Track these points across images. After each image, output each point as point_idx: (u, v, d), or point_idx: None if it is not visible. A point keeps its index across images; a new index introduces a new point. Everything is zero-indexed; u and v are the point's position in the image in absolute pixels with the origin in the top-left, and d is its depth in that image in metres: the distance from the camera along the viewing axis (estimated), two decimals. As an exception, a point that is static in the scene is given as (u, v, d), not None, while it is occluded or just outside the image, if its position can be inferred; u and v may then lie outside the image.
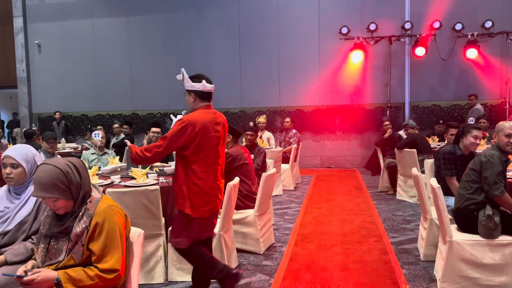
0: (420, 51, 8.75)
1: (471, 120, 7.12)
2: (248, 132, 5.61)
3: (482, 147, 6.17)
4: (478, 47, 8.65)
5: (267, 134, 8.44)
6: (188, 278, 3.39)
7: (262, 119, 8.38)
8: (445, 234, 3.12)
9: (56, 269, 1.81)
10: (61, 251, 1.86)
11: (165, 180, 3.88)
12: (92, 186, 1.98)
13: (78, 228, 1.84)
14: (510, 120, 4.70)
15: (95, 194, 1.94)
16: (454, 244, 3.06)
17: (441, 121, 7.96)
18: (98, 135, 4.86)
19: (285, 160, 7.46)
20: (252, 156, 5.48)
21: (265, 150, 6.39)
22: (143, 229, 3.31)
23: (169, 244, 3.39)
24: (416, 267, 3.63)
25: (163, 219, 3.51)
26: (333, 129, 10.15)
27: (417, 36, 8.87)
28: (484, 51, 8.98)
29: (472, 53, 8.63)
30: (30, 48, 11.59)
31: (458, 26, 8.78)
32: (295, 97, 10.20)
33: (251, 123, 7.65)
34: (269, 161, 5.57)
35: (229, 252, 3.54)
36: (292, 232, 4.77)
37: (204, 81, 2.98)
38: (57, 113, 10.85)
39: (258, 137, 7.82)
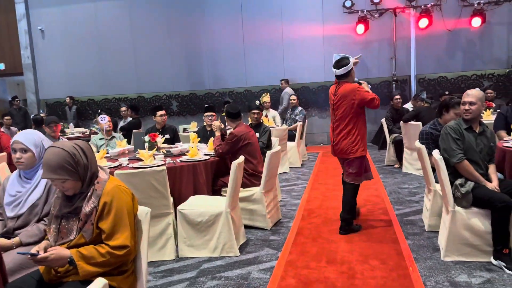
0: (423, 22, 8.61)
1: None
2: (254, 111, 5.64)
3: (488, 118, 6.14)
4: (485, 16, 8.48)
5: (272, 113, 8.46)
6: (197, 254, 3.51)
7: (266, 98, 8.38)
8: (447, 204, 3.17)
9: (68, 248, 1.90)
10: (72, 230, 1.95)
11: (172, 161, 3.96)
12: (99, 167, 2.05)
13: (87, 208, 1.92)
14: None
15: (102, 175, 2.01)
16: (457, 213, 3.11)
17: (446, 92, 7.90)
18: (104, 119, 4.93)
19: (291, 137, 7.50)
20: (257, 134, 5.53)
21: (270, 128, 6.44)
22: (152, 208, 3.41)
23: (178, 222, 3.51)
24: (421, 237, 3.70)
25: (171, 199, 3.61)
26: (339, 105, 10.09)
27: (422, 7, 8.70)
28: (491, 20, 8.81)
29: (478, 21, 8.47)
30: (33, 34, 11.61)
31: (464, -5, 8.60)
32: (300, 74, 10.14)
33: (257, 102, 7.72)
34: (274, 139, 5.61)
35: (237, 228, 3.63)
36: (298, 207, 4.85)
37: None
38: (68, 98, 10.93)
39: (264, 115, 7.86)
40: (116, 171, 3.37)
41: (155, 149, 4.22)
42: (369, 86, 3.97)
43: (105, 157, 4.23)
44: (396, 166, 6.80)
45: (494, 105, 7.01)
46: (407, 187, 5.48)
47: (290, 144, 7.36)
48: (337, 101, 3.87)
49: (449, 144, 3.20)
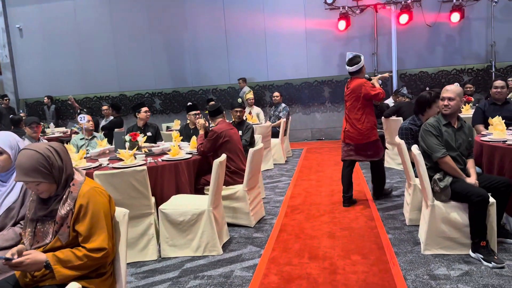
0: (403, 18, 8.70)
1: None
2: (236, 109, 5.62)
3: (467, 112, 6.25)
4: (463, 11, 8.62)
5: (256, 110, 8.46)
6: (180, 253, 3.49)
7: (250, 95, 8.38)
8: (426, 198, 3.22)
9: (44, 251, 1.87)
10: (48, 233, 1.91)
11: (153, 161, 3.92)
12: (74, 169, 2.02)
13: (63, 210, 1.88)
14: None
15: (77, 177, 1.98)
16: (436, 207, 3.16)
17: (427, 88, 7.98)
18: (84, 119, 4.85)
19: (275, 134, 7.51)
20: (240, 132, 5.52)
21: (254, 125, 6.44)
22: (133, 209, 3.40)
23: (160, 221, 3.48)
24: (401, 231, 3.75)
25: (153, 199, 3.58)
26: (322, 101, 10.18)
27: (402, 3, 8.79)
28: (469, 15, 8.96)
29: (457, 17, 8.60)
30: (11, 32, 11.35)
31: (443, -9, 8.72)
32: (283, 71, 10.16)
33: (239, 99, 7.76)
34: (257, 137, 5.61)
35: (220, 227, 3.62)
36: (282, 204, 4.87)
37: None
38: (46, 98, 10.73)
39: (247, 113, 7.85)
40: (96, 172, 3.32)
41: (135, 148, 4.17)
42: (380, 82, 4.62)
43: (85, 158, 4.17)
44: (378, 161, 6.86)
45: (473, 99, 7.12)
46: (388, 182, 5.55)
47: (274, 141, 7.37)
48: (348, 94, 4.57)
49: (431, 140, 3.24)
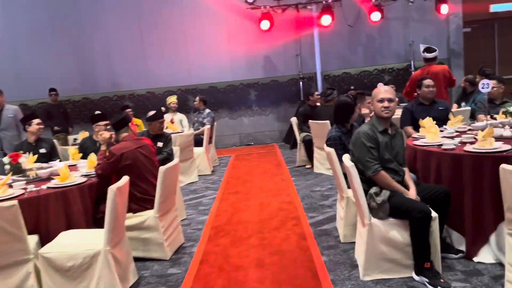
0: (325, 20, 8.49)
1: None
2: (160, 120, 4.90)
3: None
4: (382, 11, 8.65)
5: (179, 116, 7.76)
6: (70, 308, 2.75)
7: (174, 99, 7.67)
8: (363, 216, 2.82)
9: None
10: None
11: (34, 189, 3.11)
12: None
13: None
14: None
15: None
16: (373, 226, 2.76)
17: (352, 87, 7.85)
18: None
19: (199, 143, 6.87)
20: (161, 144, 4.82)
21: (175, 134, 5.80)
22: (4, 256, 2.61)
23: (42, 269, 2.72)
24: (337, 251, 3.34)
25: (33, 238, 2.81)
26: (249, 105, 9.75)
27: (323, 2, 8.62)
28: (388, 15, 9.04)
29: (377, 16, 8.60)
30: None
31: (361, -9, 8.70)
32: (207, 74, 9.55)
33: (163, 108, 7.06)
34: (175, 149, 4.92)
35: (122, 267, 2.92)
36: (205, 225, 4.27)
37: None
38: None
39: (169, 120, 7.14)
40: None
41: (10, 174, 3.32)
42: None
43: None
44: (307, 166, 6.54)
45: (397, 99, 7.07)
46: (319, 190, 5.20)
47: (198, 150, 6.72)
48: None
49: (363, 155, 2.84)
